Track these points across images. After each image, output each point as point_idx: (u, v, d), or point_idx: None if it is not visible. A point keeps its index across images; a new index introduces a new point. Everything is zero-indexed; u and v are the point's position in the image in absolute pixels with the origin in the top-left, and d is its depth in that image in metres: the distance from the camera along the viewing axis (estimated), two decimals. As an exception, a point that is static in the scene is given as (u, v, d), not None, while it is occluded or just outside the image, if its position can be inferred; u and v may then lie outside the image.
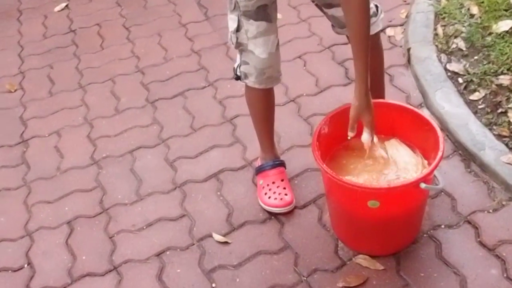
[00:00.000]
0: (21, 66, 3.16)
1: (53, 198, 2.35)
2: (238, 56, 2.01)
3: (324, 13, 2.02)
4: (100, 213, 2.26)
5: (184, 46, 3.10)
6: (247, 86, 2.06)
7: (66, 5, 3.63)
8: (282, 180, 2.17)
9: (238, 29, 1.93)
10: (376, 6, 1.98)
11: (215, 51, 3.03)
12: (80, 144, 2.59)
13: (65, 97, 2.89)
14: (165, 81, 2.88)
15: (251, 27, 1.91)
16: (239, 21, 1.91)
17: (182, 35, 3.19)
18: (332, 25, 2.06)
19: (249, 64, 1.96)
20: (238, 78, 2.03)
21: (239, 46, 1.96)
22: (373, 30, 1.90)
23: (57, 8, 3.62)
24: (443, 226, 2.02)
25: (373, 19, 1.91)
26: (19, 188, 2.43)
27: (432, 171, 1.74)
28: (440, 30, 2.76)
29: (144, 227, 2.18)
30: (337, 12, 1.94)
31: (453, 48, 2.65)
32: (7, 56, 3.25)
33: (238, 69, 2.01)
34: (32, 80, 3.05)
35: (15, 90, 2.98)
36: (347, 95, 2.48)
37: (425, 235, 2.00)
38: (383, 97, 2.17)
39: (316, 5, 2.03)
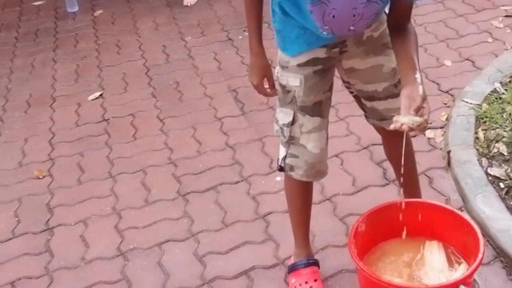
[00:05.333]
0: (51, 152, 3.41)
1: (76, 289, 2.49)
2: (282, 148, 2.18)
3: (363, 104, 2.23)
4: (125, 307, 2.40)
5: (218, 140, 3.32)
6: (288, 178, 2.24)
7: (101, 94, 3.94)
8: (315, 281, 2.30)
9: (292, 123, 2.12)
10: None
11: (250, 146, 3.24)
12: (107, 234, 2.76)
13: (94, 186, 3.10)
14: (198, 174, 3.08)
15: (307, 122, 2.10)
16: (294, 115, 2.10)
17: (217, 129, 3.43)
18: (366, 116, 2.27)
19: (298, 158, 2.14)
20: (281, 169, 2.20)
21: (291, 139, 2.14)
22: None
23: (91, 97, 3.92)
24: (484, 338, 2.11)
25: None
26: (41, 277, 2.57)
27: (472, 273, 1.85)
28: (481, 134, 2.94)
29: (170, 324, 2.31)
30: (379, 105, 2.15)
31: (495, 153, 2.82)
32: (37, 142, 3.52)
33: (283, 161, 2.18)
34: (61, 167, 3.28)
35: (43, 177, 3.20)
36: (385, 196, 2.64)
37: None
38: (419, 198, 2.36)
39: (355, 96, 2.25)
